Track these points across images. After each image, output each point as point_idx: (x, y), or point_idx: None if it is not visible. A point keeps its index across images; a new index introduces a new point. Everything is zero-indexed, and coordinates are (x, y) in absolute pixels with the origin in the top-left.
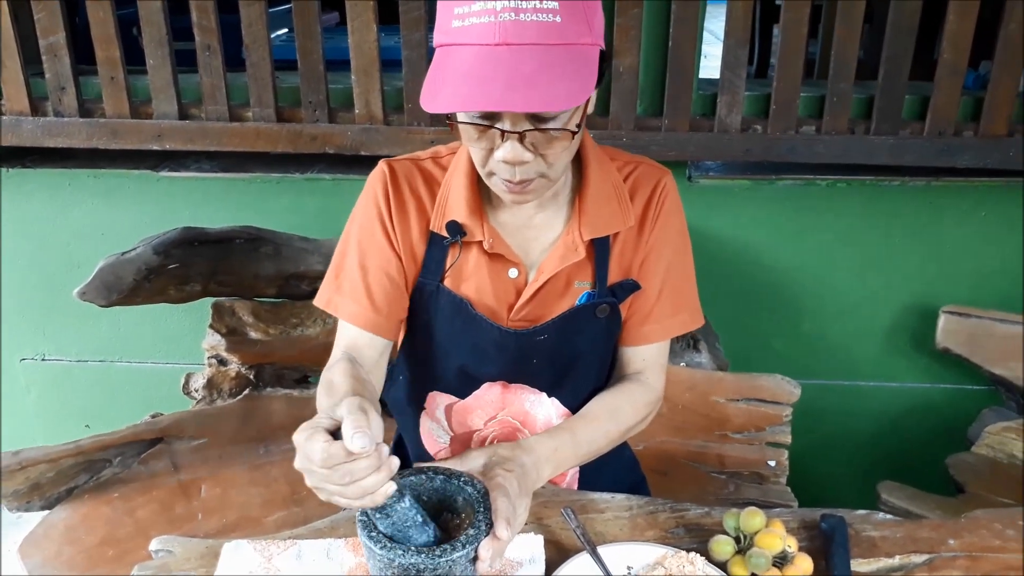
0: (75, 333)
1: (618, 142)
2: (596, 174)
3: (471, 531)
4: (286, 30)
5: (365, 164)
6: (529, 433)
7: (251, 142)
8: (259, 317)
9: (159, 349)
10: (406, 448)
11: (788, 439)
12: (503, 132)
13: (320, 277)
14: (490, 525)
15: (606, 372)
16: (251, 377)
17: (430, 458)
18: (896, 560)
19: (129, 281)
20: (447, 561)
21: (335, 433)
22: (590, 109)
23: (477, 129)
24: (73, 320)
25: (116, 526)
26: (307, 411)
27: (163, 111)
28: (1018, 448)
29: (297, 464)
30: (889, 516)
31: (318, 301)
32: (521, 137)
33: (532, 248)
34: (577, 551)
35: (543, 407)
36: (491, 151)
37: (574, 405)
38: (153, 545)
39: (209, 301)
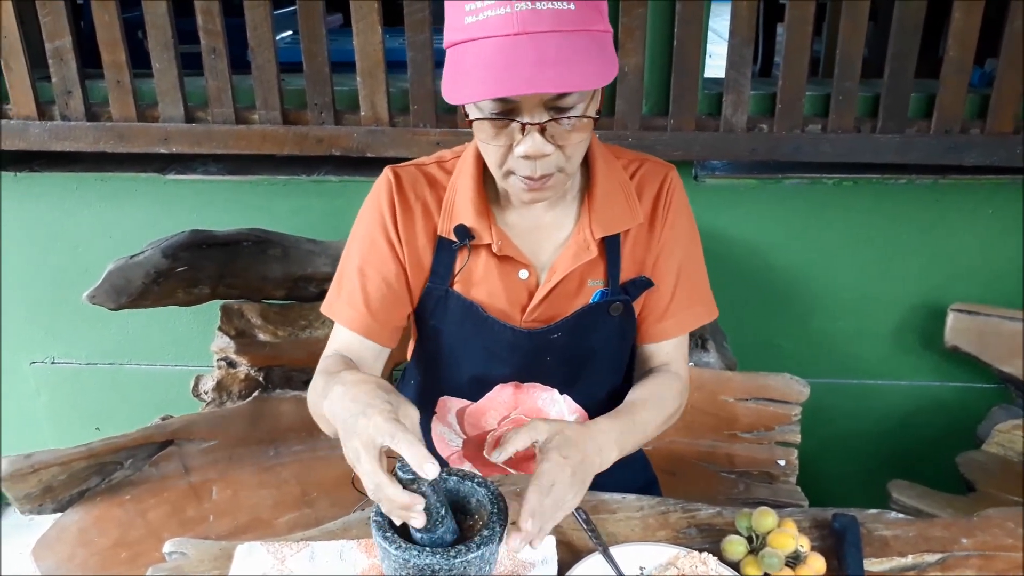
0: (84, 336)
1: (624, 142)
2: (603, 172)
3: (485, 532)
4: (291, 32)
5: (371, 166)
6: None
7: (257, 144)
8: (268, 319)
9: (168, 352)
10: None
11: (797, 438)
12: (523, 125)
13: (328, 279)
14: (503, 526)
15: (619, 370)
16: (260, 379)
17: (442, 461)
18: (909, 559)
19: (138, 284)
20: (462, 562)
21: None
22: (601, 105)
23: (495, 126)
24: (82, 323)
25: (128, 528)
26: None
27: (169, 114)
28: None
29: (349, 449)
30: (901, 515)
31: (323, 307)
32: (542, 129)
33: (542, 249)
34: (589, 552)
35: (556, 405)
36: (509, 148)
37: (587, 403)
38: (167, 547)
39: (218, 303)
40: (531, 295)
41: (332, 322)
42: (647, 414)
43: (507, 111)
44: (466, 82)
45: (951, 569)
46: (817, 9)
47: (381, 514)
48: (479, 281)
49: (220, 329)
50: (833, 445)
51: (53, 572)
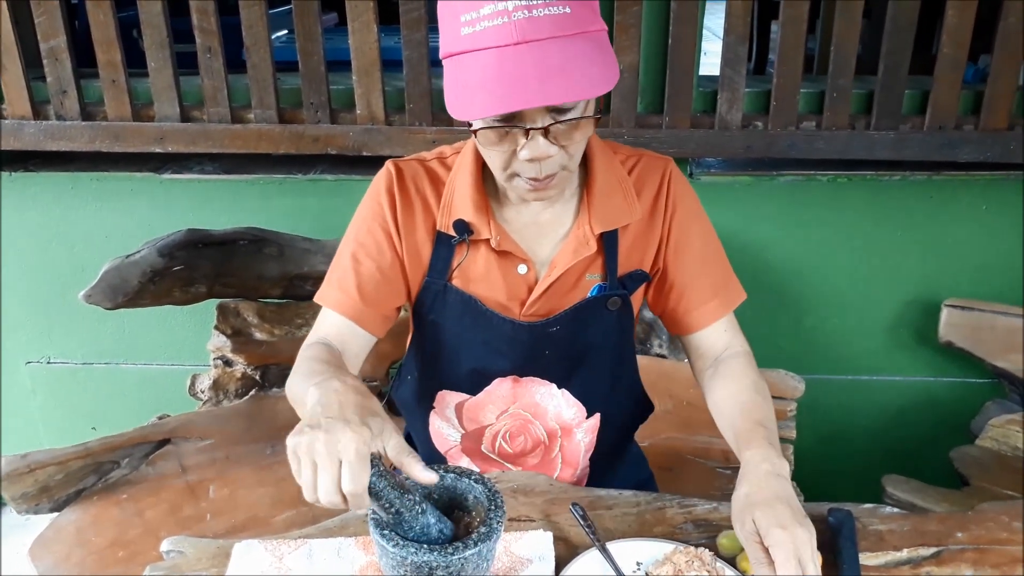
0: (80, 336)
1: (619, 139)
2: (602, 168)
3: (483, 529)
4: (286, 31)
5: (367, 164)
6: (541, 425)
7: (253, 144)
8: (264, 318)
9: (165, 351)
10: (415, 447)
11: (793, 434)
12: (527, 130)
13: (323, 277)
14: (500, 522)
15: (619, 365)
16: (257, 378)
17: (440, 456)
18: (904, 553)
19: (134, 283)
20: (459, 559)
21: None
22: (602, 103)
23: (498, 133)
24: (78, 323)
25: (126, 527)
26: None
27: (165, 114)
28: (1022, 440)
29: (311, 448)
30: (896, 510)
31: (316, 296)
32: (545, 132)
33: (541, 244)
34: (586, 548)
35: (554, 399)
36: (513, 153)
37: (585, 397)
38: (164, 546)
39: (214, 302)
40: (530, 290)
41: None
42: (765, 411)
43: (509, 117)
44: (472, 97)
45: (946, 563)
46: (811, 6)
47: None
48: (478, 276)
49: (216, 328)
50: (828, 440)
51: (50, 572)
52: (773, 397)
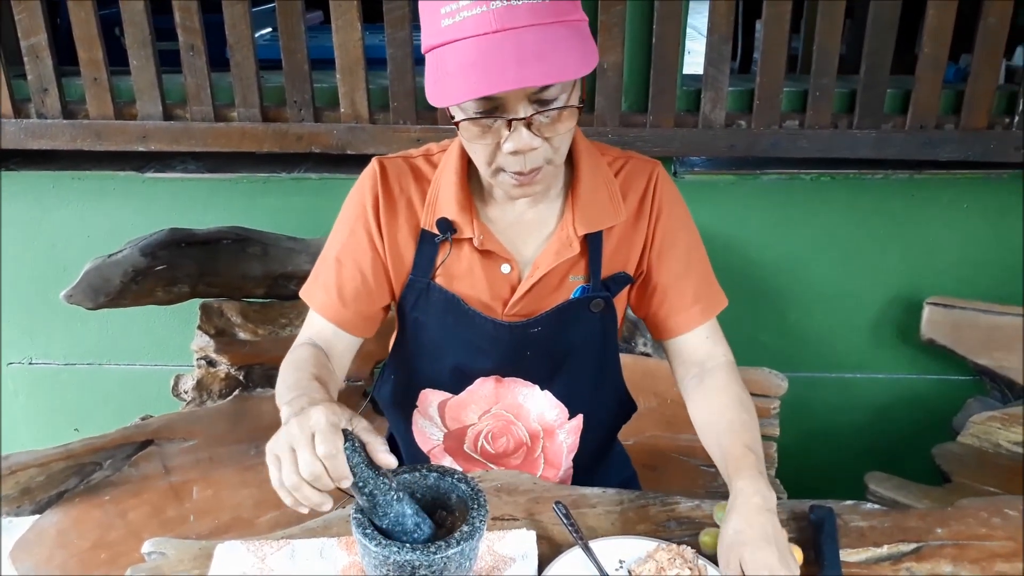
0: (63, 336)
1: (603, 138)
2: (588, 169)
3: (465, 528)
4: (270, 29)
5: (351, 163)
6: (523, 426)
7: (237, 142)
8: (247, 318)
9: (148, 351)
10: (398, 446)
11: (776, 432)
12: (510, 122)
13: (307, 276)
14: (483, 521)
15: (602, 368)
16: (240, 378)
17: (423, 455)
18: (884, 550)
19: (116, 283)
20: (442, 558)
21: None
22: (584, 93)
23: (480, 125)
24: (61, 323)
25: (108, 529)
26: None
27: (147, 112)
28: (1003, 437)
29: (288, 437)
30: (877, 506)
31: (302, 291)
32: (528, 123)
33: (525, 244)
34: (569, 546)
35: (536, 400)
36: (497, 146)
37: (567, 398)
38: (146, 547)
39: (197, 302)
40: (513, 289)
41: None
42: (751, 430)
43: (491, 109)
44: (449, 84)
45: (926, 559)
46: (794, 6)
47: (361, 511)
48: (461, 274)
49: (200, 328)
50: (811, 438)
51: (31, 574)
52: (756, 395)
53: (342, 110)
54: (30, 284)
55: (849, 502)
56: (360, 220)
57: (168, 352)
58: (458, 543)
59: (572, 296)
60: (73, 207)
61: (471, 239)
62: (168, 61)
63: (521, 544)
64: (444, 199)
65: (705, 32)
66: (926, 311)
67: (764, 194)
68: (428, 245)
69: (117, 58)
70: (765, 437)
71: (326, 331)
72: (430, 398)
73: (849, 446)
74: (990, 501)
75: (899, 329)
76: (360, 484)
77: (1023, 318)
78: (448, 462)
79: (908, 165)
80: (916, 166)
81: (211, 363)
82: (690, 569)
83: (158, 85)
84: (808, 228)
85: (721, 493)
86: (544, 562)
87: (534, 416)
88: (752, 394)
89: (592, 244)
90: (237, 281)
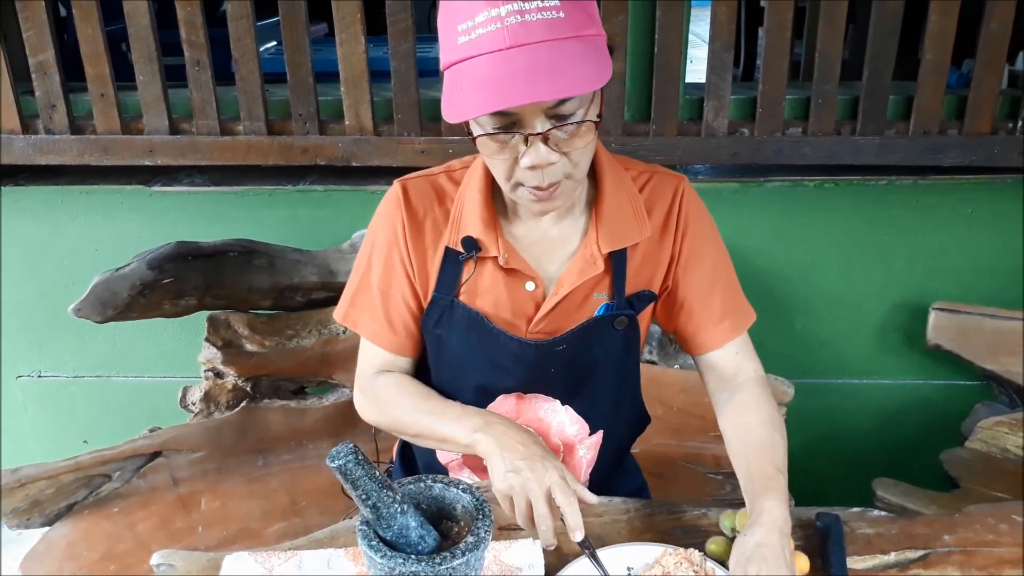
0: (72, 349)
1: (607, 148)
2: (611, 185)
3: (471, 539)
4: (275, 43)
5: (356, 175)
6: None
7: (242, 155)
8: (254, 329)
9: (156, 363)
10: (413, 454)
11: None
12: (527, 137)
13: (314, 288)
14: (488, 531)
15: (624, 384)
16: (248, 389)
17: (441, 468)
18: (892, 557)
19: (124, 297)
20: (447, 569)
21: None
22: (602, 108)
23: (497, 140)
24: (69, 336)
25: (117, 541)
26: (304, 422)
27: (154, 126)
28: (1011, 442)
29: (525, 488)
30: (884, 513)
31: (337, 314)
32: (545, 138)
33: (549, 262)
34: (576, 556)
35: (557, 415)
36: (515, 161)
37: (588, 414)
38: (154, 559)
39: (204, 314)
40: (537, 307)
41: (319, 331)
42: (780, 449)
43: (508, 124)
44: (462, 100)
45: (933, 566)
46: (798, 13)
47: (367, 523)
48: (484, 292)
49: (207, 340)
50: (818, 445)
51: None
52: None
53: (347, 122)
54: (39, 298)
55: (856, 509)
56: (395, 248)
57: (176, 364)
58: (463, 554)
59: (596, 314)
60: (81, 221)
61: (495, 257)
62: (174, 76)
63: (528, 554)
64: (468, 217)
65: (708, 39)
66: (932, 316)
67: (768, 202)
68: (452, 263)
69: (124, 73)
70: None
71: (386, 359)
72: None
73: (856, 452)
74: (997, 507)
75: (905, 335)
76: (364, 496)
77: None
78: (466, 475)
79: (912, 171)
80: (920, 172)
81: (218, 375)
82: (696, 572)
83: (164, 100)
84: (812, 235)
85: (727, 501)
86: (551, 572)
87: (554, 431)
88: None
89: (616, 261)
90: (244, 293)
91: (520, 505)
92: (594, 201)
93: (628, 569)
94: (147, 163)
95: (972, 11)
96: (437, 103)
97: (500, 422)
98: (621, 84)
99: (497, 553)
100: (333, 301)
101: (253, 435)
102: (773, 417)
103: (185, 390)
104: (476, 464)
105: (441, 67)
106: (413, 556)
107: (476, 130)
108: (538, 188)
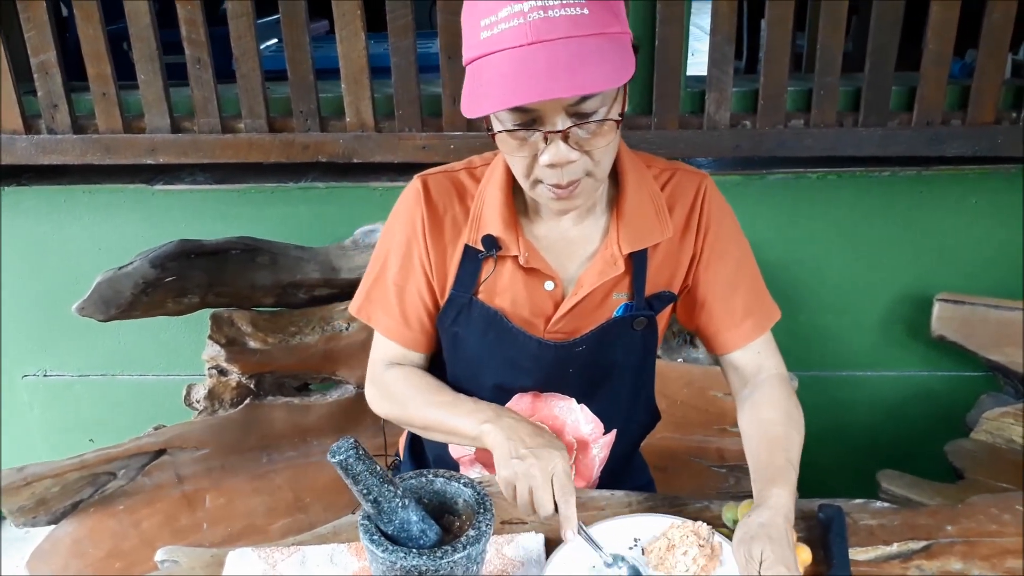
0: (76, 348)
1: None
2: (633, 184)
3: (472, 532)
4: (276, 40)
5: (358, 171)
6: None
7: (244, 153)
8: (258, 327)
9: (160, 361)
10: (423, 448)
11: None
12: (546, 135)
13: (317, 285)
14: (489, 525)
15: (641, 384)
16: (251, 386)
17: (449, 457)
18: (894, 548)
19: (127, 295)
20: (448, 563)
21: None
22: (625, 106)
23: (517, 137)
24: (74, 335)
25: (122, 539)
26: (308, 418)
27: (155, 125)
28: (1016, 433)
29: (528, 477)
30: (886, 504)
31: (352, 307)
32: (565, 136)
33: (569, 261)
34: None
35: (572, 413)
36: (534, 158)
37: (604, 414)
38: (158, 556)
39: (208, 312)
40: (556, 307)
41: (322, 328)
42: (795, 444)
43: (529, 122)
44: (481, 95)
45: (935, 556)
46: (800, 4)
47: (368, 517)
48: (503, 291)
49: (210, 338)
50: (823, 437)
51: None
52: None
53: (348, 119)
54: (43, 298)
55: (858, 500)
56: (413, 243)
57: (180, 362)
58: (464, 548)
59: (615, 314)
60: (84, 221)
61: (515, 256)
62: (175, 74)
63: (530, 547)
64: (489, 215)
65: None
66: (936, 308)
67: (771, 194)
68: (471, 261)
69: (125, 72)
70: None
71: (398, 353)
72: None
73: (861, 444)
74: (1001, 498)
75: (909, 326)
76: (365, 491)
77: None
78: (478, 470)
79: (915, 162)
80: (923, 163)
81: (222, 372)
82: (701, 547)
83: (166, 98)
84: (815, 227)
85: (731, 495)
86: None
87: (569, 429)
88: None
89: (637, 261)
90: (246, 291)
91: (522, 491)
92: (615, 200)
93: (635, 540)
94: (149, 162)
95: (975, 1)
96: (438, 99)
97: (510, 416)
98: None
99: (499, 547)
100: (336, 298)
101: (257, 432)
102: (791, 413)
103: (189, 388)
104: (488, 459)
105: (464, 62)
106: (414, 550)
107: (496, 126)
108: (557, 186)
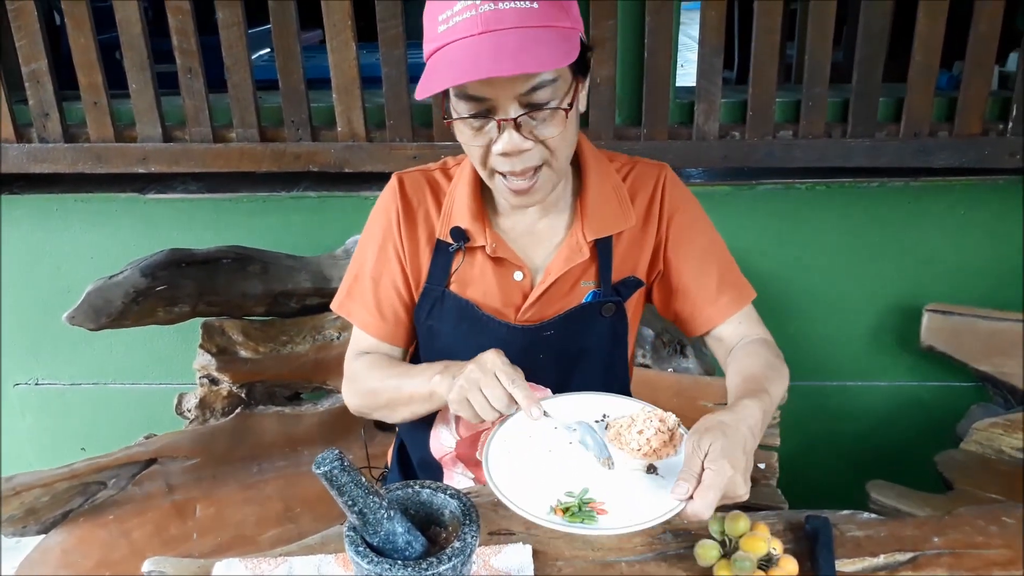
0: (68, 357)
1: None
2: (596, 176)
3: (457, 544)
4: (267, 50)
5: (349, 181)
6: None
7: (235, 162)
8: (249, 336)
9: (151, 370)
10: (408, 454)
11: (777, 441)
12: (500, 122)
13: (308, 294)
14: (475, 537)
15: (614, 374)
16: (242, 395)
17: (435, 462)
18: (881, 559)
19: (118, 304)
20: (434, 574)
21: None
22: (581, 107)
23: (471, 126)
24: (65, 344)
25: (111, 549)
26: (299, 428)
27: (147, 134)
28: (1006, 443)
29: (471, 381)
30: (873, 515)
31: (334, 304)
32: (517, 125)
33: (536, 252)
34: (566, 560)
35: None
36: (489, 148)
37: None
38: (146, 566)
39: (199, 321)
40: (525, 296)
41: (313, 337)
42: (775, 386)
43: (483, 111)
44: (431, 79)
45: (922, 568)
46: (789, 16)
47: (354, 529)
48: (474, 281)
49: (201, 347)
50: (813, 447)
51: None
52: None
53: (339, 129)
54: (35, 306)
55: (845, 511)
56: (388, 237)
57: (171, 371)
58: (449, 559)
59: (583, 301)
60: (76, 229)
61: (484, 247)
62: (167, 83)
63: (517, 558)
64: (458, 209)
65: None
66: (925, 318)
67: (760, 204)
68: (443, 254)
69: (117, 81)
70: (766, 447)
71: (372, 345)
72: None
73: (851, 455)
74: (988, 509)
75: (899, 336)
76: (350, 502)
77: (1023, 323)
78: (459, 469)
79: (903, 173)
80: (911, 174)
81: (214, 381)
82: (660, 432)
83: (157, 108)
84: (804, 237)
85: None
86: (539, 573)
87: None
88: None
89: (602, 249)
90: (237, 300)
91: (475, 398)
92: (578, 193)
93: (604, 415)
94: (141, 171)
95: (962, 13)
96: (429, 109)
97: (457, 365)
98: (612, 89)
99: (487, 558)
100: (327, 307)
101: (248, 442)
102: (771, 361)
103: (181, 397)
104: (469, 457)
105: (424, 57)
106: (400, 561)
107: (453, 115)
108: (513, 174)
